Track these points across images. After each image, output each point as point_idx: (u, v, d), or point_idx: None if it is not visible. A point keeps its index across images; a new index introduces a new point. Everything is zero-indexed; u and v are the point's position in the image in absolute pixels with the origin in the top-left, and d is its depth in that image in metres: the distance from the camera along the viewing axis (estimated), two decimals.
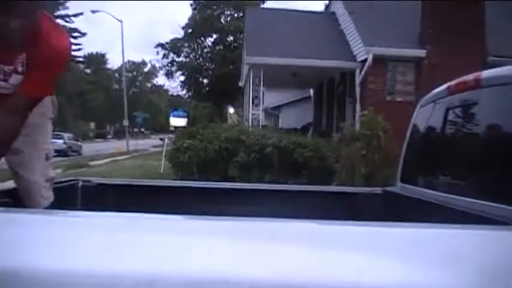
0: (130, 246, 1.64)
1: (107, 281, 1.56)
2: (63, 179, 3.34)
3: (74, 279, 1.56)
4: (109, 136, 79.03)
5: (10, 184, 2.88)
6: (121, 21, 36.12)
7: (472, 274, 1.55)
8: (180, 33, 46.21)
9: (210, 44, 46.94)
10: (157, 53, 47.05)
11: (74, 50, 72.53)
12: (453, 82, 2.86)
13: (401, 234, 1.73)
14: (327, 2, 22.21)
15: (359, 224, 1.85)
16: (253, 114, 16.83)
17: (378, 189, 3.56)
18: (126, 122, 33.93)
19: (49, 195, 2.77)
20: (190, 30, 45.30)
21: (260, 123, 17.10)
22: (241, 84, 23.24)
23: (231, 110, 28.43)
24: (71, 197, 3.25)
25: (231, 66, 37.83)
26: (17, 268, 1.59)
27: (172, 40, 46.68)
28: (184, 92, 52.10)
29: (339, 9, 18.17)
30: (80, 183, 3.38)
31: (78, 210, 3.07)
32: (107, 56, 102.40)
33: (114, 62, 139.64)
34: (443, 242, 1.67)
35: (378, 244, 1.65)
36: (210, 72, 45.13)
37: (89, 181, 3.43)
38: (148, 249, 1.63)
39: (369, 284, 1.54)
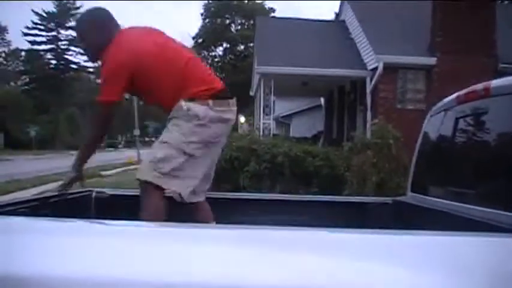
0: (140, 254, 1.67)
1: None
2: (77, 190, 3.37)
3: (84, 287, 1.59)
4: (120, 146, 79.14)
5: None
6: None
7: (482, 282, 1.56)
8: (190, 43, 46.41)
9: (220, 53, 47.14)
10: None
11: (85, 61, 72.87)
12: (463, 91, 2.86)
13: (411, 243, 1.74)
14: (337, 10, 22.24)
15: (369, 232, 1.86)
16: (264, 123, 16.82)
17: (389, 199, 3.57)
18: (136, 132, 33.97)
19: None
20: (200, 40, 45.49)
21: (271, 132, 17.09)
22: (251, 93, 23.26)
23: (242, 119, 28.45)
24: (85, 207, 3.29)
25: (242, 76, 37.91)
26: (30, 275, 1.62)
27: None
28: None
29: (349, 17, 18.16)
30: (94, 194, 3.42)
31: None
32: None
33: None
34: (453, 251, 1.68)
35: (388, 252, 1.66)
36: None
37: (102, 192, 3.47)
38: (158, 257, 1.65)
39: None
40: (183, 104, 2.91)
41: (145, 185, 2.86)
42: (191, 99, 2.92)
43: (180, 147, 2.87)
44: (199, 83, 2.99)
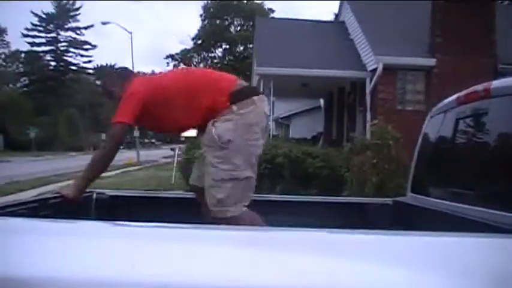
0: (141, 255, 1.67)
1: None
2: None
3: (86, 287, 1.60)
4: (120, 147, 79.17)
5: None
6: (131, 33, 36.22)
7: (482, 282, 1.56)
8: (189, 44, 46.46)
9: (219, 54, 47.15)
10: (167, 64, 47.34)
11: (84, 62, 72.99)
12: (463, 92, 2.87)
13: (411, 243, 1.74)
14: (336, 11, 22.25)
15: (369, 233, 1.86)
16: None
17: (389, 200, 3.57)
18: (136, 133, 34.01)
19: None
20: (200, 41, 45.51)
21: (271, 133, 17.09)
22: None
23: None
24: (86, 208, 3.29)
25: (241, 76, 37.89)
26: (31, 276, 1.62)
27: (182, 51, 46.91)
28: None
29: (349, 18, 18.18)
30: (95, 195, 3.42)
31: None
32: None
33: None
34: (454, 251, 1.68)
35: (388, 253, 1.66)
36: None
37: (102, 193, 3.47)
38: (160, 257, 1.66)
39: None
40: (213, 131, 2.94)
41: (226, 220, 2.90)
42: (215, 120, 2.96)
43: (231, 177, 2.92)
44: (217, 93, 3.04)
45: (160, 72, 3.49)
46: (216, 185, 2.93)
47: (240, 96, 3.02)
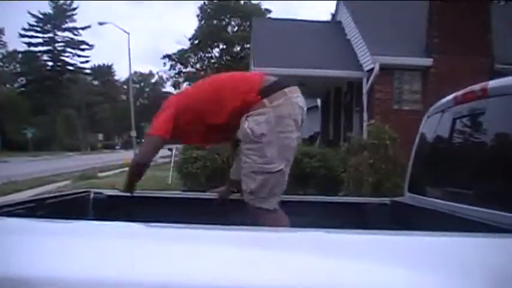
0: (140, 255, 1.67)
1: None
2: (75, 191, 3.38)
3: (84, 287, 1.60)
4: (117, 147, 79.13)
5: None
6: (128, 33, 36.21)
7: (479, 282, 1.56)
8: (186, 44, 46.40)
9: (216, 54, 47.08)
10: (164, 64, 47.29)
11: (82, 62, 72.94)
12: (460, 92, 2.87)
13: (408, 243, 1.75)
14: (333, 11, 22.27)
15: (366, 233, 1.86)
16: None
17: (386, 200, 3.58)
18: (133, 133, 33.97)
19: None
20: (197, 41, 45.45)
21: None
22: None
23: None
24: (83, 208, 3.29)
25: None
26: (28, 276, 1.62)
27: (179, 51, 46.84)
28: None
29: (345, 18, 18.19)
30: (92, 195, 3.42)
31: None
32: (114, 68, 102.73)
33: (121, 73, 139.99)
34: (452, 251, 1.68)
35: (386, 253, 1.66)
36: None
37: (100, 193, 3.48)
38: (159, 257, 1.66)
39: None
40: (246, 125, 2.97)
41: (257, 211, 2.99)
42: (248, 114, 2.98)
43: (264, 170, 2.96)
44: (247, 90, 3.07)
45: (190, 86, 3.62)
46: (250, 176, 2.98)
47: (270, 89, 3.06)
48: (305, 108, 3.18)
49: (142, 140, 4.00)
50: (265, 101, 2.98)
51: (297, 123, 3.08)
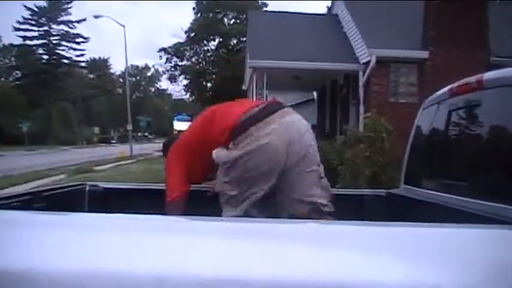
0: (136, 247, 1.67)
1: (113, 282, 1.59)
2: (71, 184, 3.37)
3: (80, 280, 1.59)
4: (113, 141, 78.94)
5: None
6: (124, 26, 36.06)
7: (476, 274, 1.56)
8: (182, 38, 46.31)
9: (213, 47, 47.04)
10: (160, 57, 47.38)
11: (77, 55, 72.73)
12: (455, 84, 2.87)
13: (404, 234, 1.75)
14: (329, 4, 22.24)
15: (363, 224, 1.86)
16: None
17: (382, 192, 3.58)
18: (129, 127, 33.95)
19: None
20: (193, 34, 45.38)
21: None
22: (244, 87, 23.24)
23: None
24: (79, 200, 3.29)
25: (234, 70, 37.85)
26: (24, 269, 1.61)
27: (175, 44, 46.79)
28: (187, 95, 52.29)
29: (342, 11, 18.17)
30: (87, 188, 3.42)
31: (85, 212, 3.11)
32: (110, 61, 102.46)
33: (117, 67, 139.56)
34: (448, 242, 1.68)
35: (381, 244, 1.66)
36: (213, 76, 45.20)
37: (96, 185, 3.47)
38: (155, 249, 1.66)
39: (372, 284, 1.55)
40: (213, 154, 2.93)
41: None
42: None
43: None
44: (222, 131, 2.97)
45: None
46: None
47: (237, 131, 2.84)
48: (298, 134, 2.89)
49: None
50: (230, 145, 2.87)
51: (268, 174, 2.80)
